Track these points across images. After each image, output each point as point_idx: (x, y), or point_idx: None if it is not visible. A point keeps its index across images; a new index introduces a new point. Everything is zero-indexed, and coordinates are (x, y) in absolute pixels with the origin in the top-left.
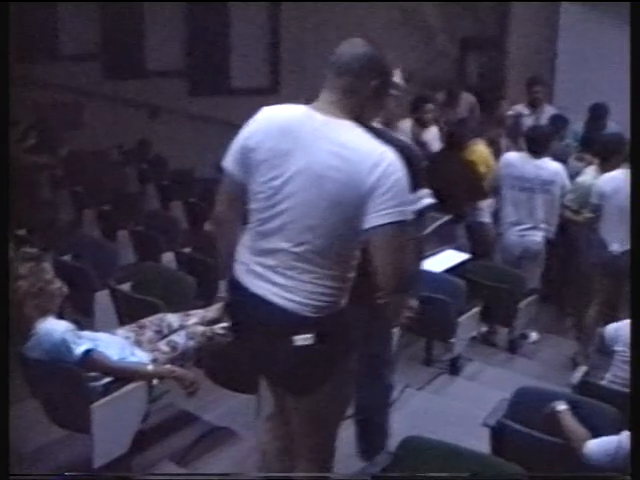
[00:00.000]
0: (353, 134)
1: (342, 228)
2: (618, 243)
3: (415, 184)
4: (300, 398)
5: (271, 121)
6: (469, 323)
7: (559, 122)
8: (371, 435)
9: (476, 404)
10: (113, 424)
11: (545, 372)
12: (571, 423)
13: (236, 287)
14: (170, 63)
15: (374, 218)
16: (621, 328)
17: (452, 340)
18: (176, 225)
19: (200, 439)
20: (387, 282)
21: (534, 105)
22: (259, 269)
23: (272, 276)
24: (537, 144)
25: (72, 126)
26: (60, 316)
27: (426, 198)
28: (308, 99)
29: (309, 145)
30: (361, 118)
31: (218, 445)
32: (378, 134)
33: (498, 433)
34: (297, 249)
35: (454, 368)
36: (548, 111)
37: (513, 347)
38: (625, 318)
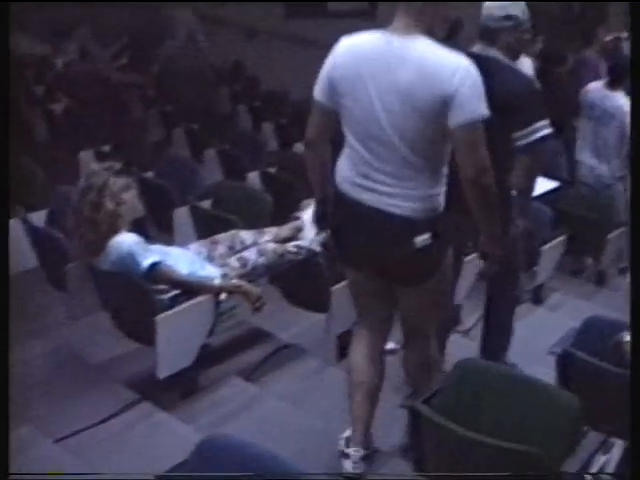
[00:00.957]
0: (428, 49)
1: (431, 134)
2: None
3: (535, 115)
4: (414, 288)
5: (352, 50)
6: (554, 252)
7: None
8: (497, 336)
9: (555, 334)
10: (177, 337)
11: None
12: (628, 355)
13: (343, 200)
14: None
15: (454, 119)
16: None
17: (535, 268)
18: (263, 145)
19: (270, 356)
20: (466, 172)
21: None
22: (367, 183)
23: (381, 187)
24: (614, 75)
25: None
26: (141, 232)
27: (544, 129)
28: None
29: (390, 65)
30: (432, 32)
31: (288, 362)
32: (452, 46)
33: (564, 362)
34: (396, 158)
35: (537, 297)
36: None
37: (600, 279)
38: None
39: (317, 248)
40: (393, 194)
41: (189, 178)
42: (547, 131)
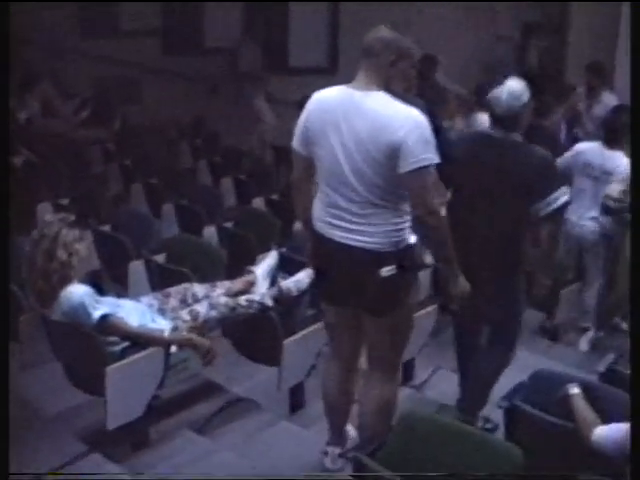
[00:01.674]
0: (383, 102)
1: (387, 178)
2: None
3: (554, 185)
4: (381, 319)
5: (320, 102)
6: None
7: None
8: (477, 392)
9: (505, 388)
10: (127, 388)
11: (583, 361)
12: (582, 407)
13: (318, 237)
14: (227, 41)
15: (403, 166)
16: None
17: None
18: (220, 200)
19: (222, 409)
20: (417, 213)
21: (589, 92)
22: (336, 221)
23: (349, 225)
24: (613, 135)
25: (131, 101)
26: (96, 284)
27: (563, 196)
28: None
29: (352, 117)
30: (389, 89)
31: (240, 415)
32: (406, 100)
33: (511, 415)
34: (358, 200)
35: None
36: (607, 99)
37: (554, 335)
38: None
39: (269, 302)
40: (359, 231)
41: (146, 232)
42: (565, 198)
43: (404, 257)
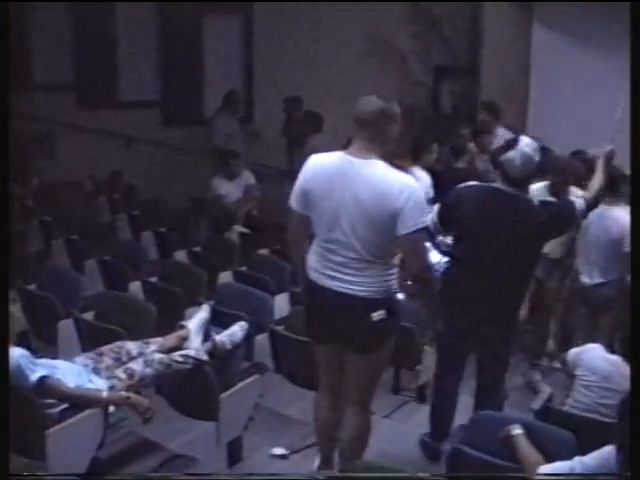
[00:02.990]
0: (382, 170)
1: (382, 238)
2: (588, 275)
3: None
4: (364, 356)
5: (321, 166)
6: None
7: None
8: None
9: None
10: (68, 450)
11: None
12: (525, 447)
13: (313, 286)
14: (143, 93)
15: (403, 229)
16: (582, 353)
17: (419, 367)
18: (144, 254)
19: (160, 466)
20: (412, 270)
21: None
22: (332, 272)
23: (343, 276)
24: (612, 192)
25: (45, 156)
26: (24, 345)
27: None
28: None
29: (351, 182)
30: (384, 155)
31: (178, 471)
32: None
33: (454, 459)
34: (353, 256)
35: (421, 396)
36: (502, 133)
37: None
38: (589, 343)
39: (204, 357)
40: (354, 282)
41: (71, 289)
42: None
43: (391, 303)
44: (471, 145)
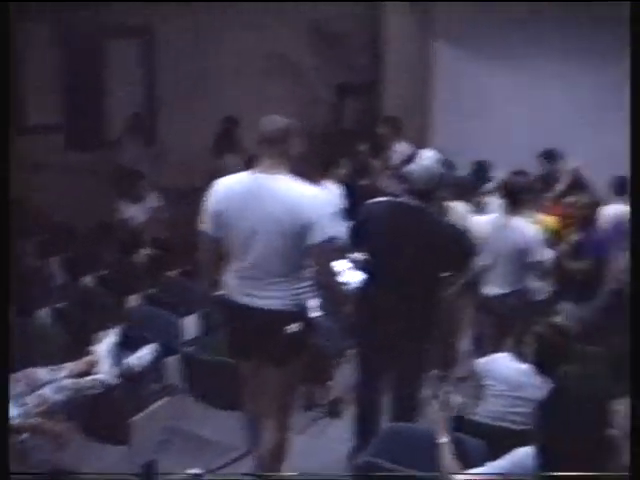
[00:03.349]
0: (292, 184)
1: (295, 251)
2: (494, 286)
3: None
4: (280, 369)
5: (231, 188)
6: (348, 366)
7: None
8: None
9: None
10: None
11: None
12: (447, 456)
13: (229, 304)
14: (48, 117)
15: (313, 238)
16: (490, 363)
17: (330, 383)
18: (49, 280)
19: None
20: (320, 277)
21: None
22: (247, 290)
23: (258, 292)
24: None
25: None
26: None
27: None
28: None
29: (264, 199)
30: (292, 170)
31: None
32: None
33: (367, 471)
34: (269, 271)
35: (334, 411)
36: (402, 148)
37: None
38: (496, 353)
39: (114, 380)
40: (270, 297)
41: None
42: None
43: (305, 316)
44: (374, 161)
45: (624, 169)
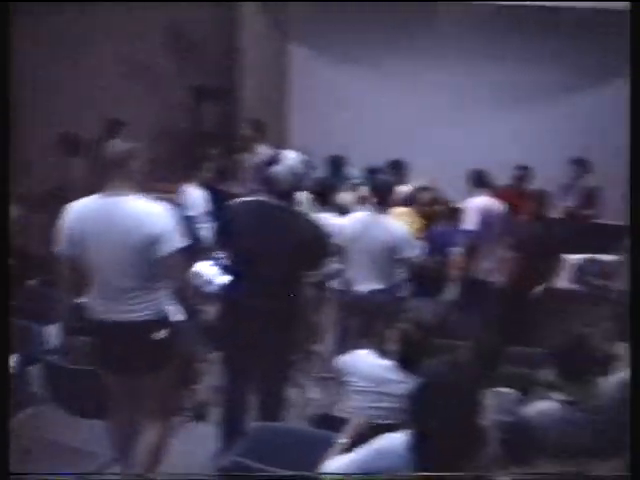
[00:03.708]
0: (138, 203)
1: (148, 264)
2: (361, 283)
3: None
4: (151, 376)
5: (83, 210)
6: (210, 368)
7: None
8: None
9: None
10: None
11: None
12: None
13: (94, 321)
14: None
15: (162, 251)
16: (352, 359)
17: (196, 387)
18: None
19: None
20: (174, 282)
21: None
22: (110, 305)
23: (118, 306)
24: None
25: None
26: None
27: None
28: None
29: (111, 219)
30: (136, 188)
31: None
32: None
33: (234, 471)
34: (126, 285)
35: (199, 414)
36: (264, 151)
37: None
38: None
39: None
40: (128, 310)
41: None
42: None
43: (169, 323)
44: (236, 163)
45: (480, 163)
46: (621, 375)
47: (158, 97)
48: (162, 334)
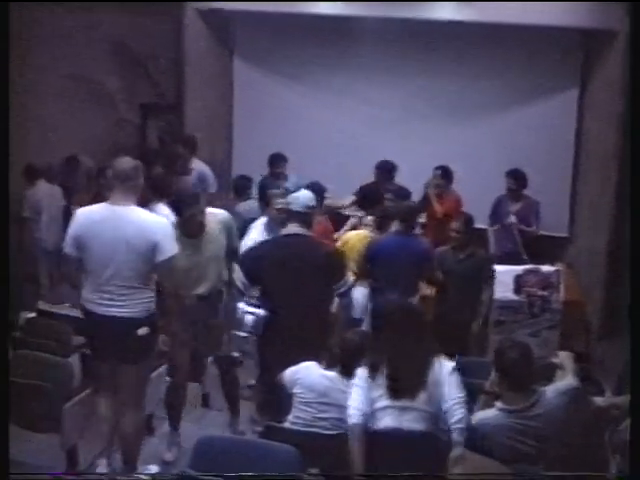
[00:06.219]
0: (140, 213)
1: (145, 267)
2: None
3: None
4: (133, 367)
5: (89, 217)
6: (158, 381)
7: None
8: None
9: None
10: None
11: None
12: None
13: (88, 314)
14: None
15: (160, 256)
16: (299, 371)
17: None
18: None
19: None
20: (167, 287)
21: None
22: (103, 301)
23: (111, 302)
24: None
25: None
26: None
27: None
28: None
29: (119, 226)
30: (137, 200)
31: None
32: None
33: None
34: (122, 284)
35: (148, 427)
36: (198, 166)
37: (205, 402)
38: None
39: None
40: (123, 305)
41: None
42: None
43: (153, 321)
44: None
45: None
46: (563, 383)
47: (104, 113)
48: (145, 331)
